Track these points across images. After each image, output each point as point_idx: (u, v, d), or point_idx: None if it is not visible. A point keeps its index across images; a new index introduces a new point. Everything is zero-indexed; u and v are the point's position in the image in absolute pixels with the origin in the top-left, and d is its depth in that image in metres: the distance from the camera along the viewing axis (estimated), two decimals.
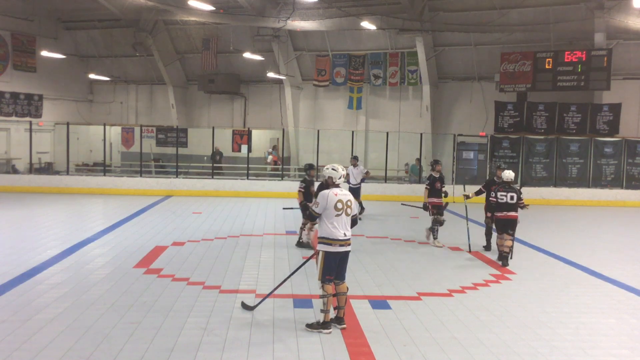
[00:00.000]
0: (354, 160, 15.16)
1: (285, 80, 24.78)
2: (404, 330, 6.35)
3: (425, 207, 11.38)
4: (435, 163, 11.49)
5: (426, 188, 11.32)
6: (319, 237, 6.33)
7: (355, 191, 14.18)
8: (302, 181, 10.73)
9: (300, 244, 10.72)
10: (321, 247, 6.28)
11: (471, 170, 20.42)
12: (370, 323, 6.55)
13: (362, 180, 14.96)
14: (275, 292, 7.13)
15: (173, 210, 15.35)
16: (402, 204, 13.49)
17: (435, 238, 11.32)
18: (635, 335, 6.48)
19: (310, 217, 6.42)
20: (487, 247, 10.93)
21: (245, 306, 6.90)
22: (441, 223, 11.24)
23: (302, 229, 10.75)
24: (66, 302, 7.00)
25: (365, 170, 15.03)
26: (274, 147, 24.66)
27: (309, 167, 10.93)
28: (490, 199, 10.41)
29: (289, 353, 5.64)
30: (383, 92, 24.32)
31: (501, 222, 9.91)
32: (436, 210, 11.22)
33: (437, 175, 11.28)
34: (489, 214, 10.73)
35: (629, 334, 6.49)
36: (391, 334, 6.22)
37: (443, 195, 11.26)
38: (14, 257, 9.34)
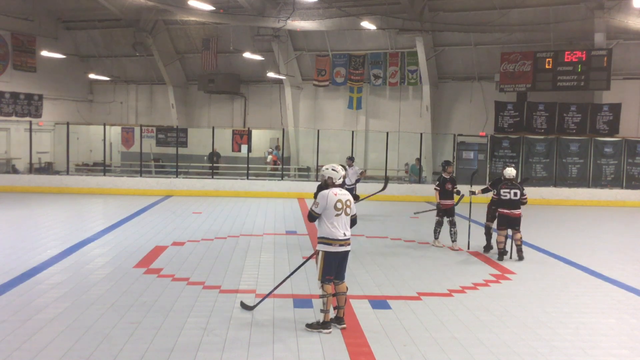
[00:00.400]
0: (349, 160, 15.05)
1: (285, 80, 24.79)
2: (404, 330, 6.36)
3: (438, 207, 11.18)
4: (446, 164, 11.25)
5: (436, 189, 11.18)
6: (319, 237, 6.33)
7: (350, 192, 14.03)
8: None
9: None
10: (321, 247, 6.28)
11: (471, 170, 20.39)
12: (370, 323, 6.55)
13: (357, 181, 14.77)
14: (275, 292, 7.13)
15: (173, 210, 15.35)
16: (415, 213, 12.76)
17: (436, 238, 11.30)
18: (635, 335, 6.48)
19: (310, 217, 6.39)
20: (487, 248, 10.89)
21: (244, 306, 6.90)
22: (454, 224, 11.05)
23: None
24: (66, 302, 7.00)
25: (361, 171, 14.90)
26: (277, 147, 24.50)
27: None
28: (493, 196, 10.43)
29: (289, 353, 5.65)
30: (383, 92, 24.32)
31: (505, 218, 10.08)
32: (445, 212, 11.05)
33: (447, 177, 11.08)
34: (497, 210, 10.52)
35: (629, 334, 6.49)
36: (391, 334, 6.22)
37: (456, 194, 11.05)
38: (14, 257, 9.34)
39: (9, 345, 5.61)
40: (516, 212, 10.03)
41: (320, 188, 6.54)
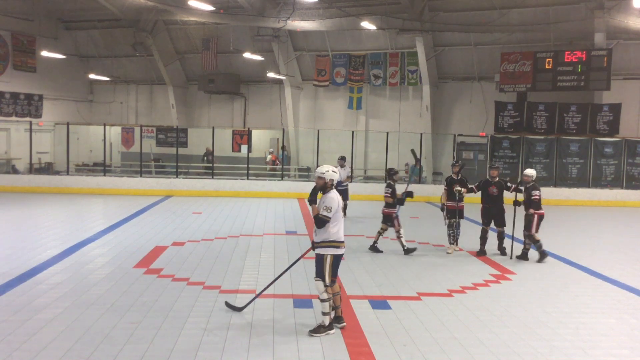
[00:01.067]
0: (341, 160, 14.94)
1: (285, 80, 24.78)
2: (404, 330, 6.36)
3: (442, 209, 11.01)
4: (453, 165, 11.09)
5: (445, 189, 11.01)
6: (326, 241, 6.24)
7: (344, 193, 13.70)
8: (387, 186, 10.61)
9: (408, 251, 10.45)
10: (330, 251, 6.23)
11: (471, 170, 20.39)
12: (370, 323, 6.56)
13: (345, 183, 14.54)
14: (276, 292, 7.12)
15: (173, 210, 15.35)
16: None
17: (450, 243, 10.83)
18: (635, 335, 6.48)
19: (321, 223, 6.18)
20: (481, 253, 10.64)
21: (229, 306, 6.86)
22: (458, 226, 10.77)
23: (399, 237, 10.52)
24: (66, 302, 7.00)
25: (347, 175, 14.79)
26: (282, 148, 24.00)
27: (395, 172, 10.91)
28: (534, 197, 10.12)
29: (289, 353, 5.65)
30: (383, 92, 24.31)
31: (541, 218, 10.23)
32: (449, 214, 10.79)
33: (455, 177, 10.87)
34: (532, 211, 10.27)
35: (629, 334, 6.49)
36: (391, 334, 6.22)
37: (457, 193, 10.64)
38: (14, 257, 9.34)
39: (9, 345, 5.61)
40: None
41: (316, 190, 6.42)
